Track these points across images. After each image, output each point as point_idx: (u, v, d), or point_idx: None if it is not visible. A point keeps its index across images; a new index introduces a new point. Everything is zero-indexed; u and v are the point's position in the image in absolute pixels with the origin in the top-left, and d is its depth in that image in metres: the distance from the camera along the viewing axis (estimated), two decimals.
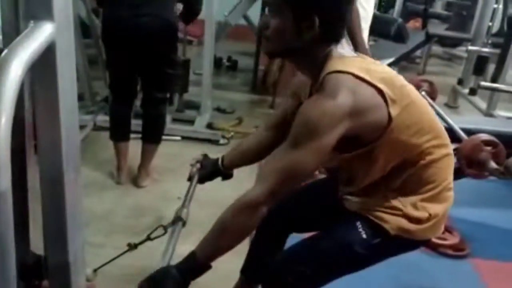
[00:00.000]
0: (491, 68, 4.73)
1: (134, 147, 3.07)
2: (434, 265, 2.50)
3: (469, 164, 2.34)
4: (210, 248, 1.32)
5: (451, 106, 5.06)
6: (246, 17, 5.25)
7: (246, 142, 1.85)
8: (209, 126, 3.89)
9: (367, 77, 1.27)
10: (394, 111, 1.29)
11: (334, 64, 1.30)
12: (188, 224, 2.67)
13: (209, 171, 1.85)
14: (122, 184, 3.01)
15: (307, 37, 1.30)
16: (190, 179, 1.88)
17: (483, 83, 3.95)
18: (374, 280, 2.36)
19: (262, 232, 1.85)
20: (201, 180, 1.84)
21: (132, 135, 3.07)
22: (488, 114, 4.27)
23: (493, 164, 2.28)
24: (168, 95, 3.05)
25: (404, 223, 1.42)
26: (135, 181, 3.02)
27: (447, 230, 2.66)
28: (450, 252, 2.56)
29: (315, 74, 1.34)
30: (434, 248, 2.57)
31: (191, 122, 3.91)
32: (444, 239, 2.60)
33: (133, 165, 3.09)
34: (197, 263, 1.30)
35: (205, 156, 1.94)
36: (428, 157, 1.39)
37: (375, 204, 1.44)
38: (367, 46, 2.96)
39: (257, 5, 4.78)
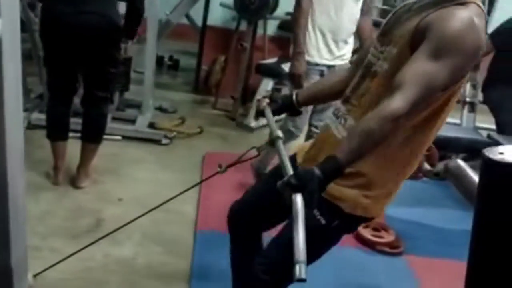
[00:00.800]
0: None
1: (73, 146, 2.97)
2: (371, 262, 2.61)
3: None
4: (353, 153, 1.28)
5: None
6: (188, 16, 5.21)
7: (323, 82, 1.87)
8: (151, 125, 3.83)
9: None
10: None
11: None
12: (127, 227, 2.62)
13: (281, 105, 1.77)
14: (60, 185, 2.90)
15: None
16: (260, 114, 1.80)
17: None
18: (312, 277, 2.43)
19: (235, 242, 1.86)
20: (275, 113, 1.77)
21: (70, 134, 2.96)
22: None
23: (426, 166, 2.41)
24: (109, 94, 2.97)
25: (362, 199, 1.45)
26: (74, 182, 2.93)
27: (384, 228, 2.79)
28: (386, 249, 2.67)
29: None
30: (371, 245, 2.68)
31: (132, 121, 3.83)
32: (381, 237, 2.72)
33: (71, 165, 2.99)
34: (338, 166, 1.26)
35: (274, 90, 1.93)
36: (431, 125, 1.43)
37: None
38: None
39: (200, 4, 4.76)
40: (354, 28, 2.76)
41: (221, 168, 1.69)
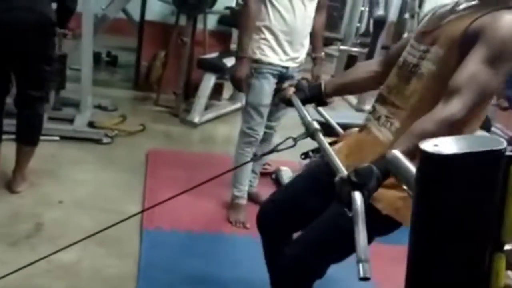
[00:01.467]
0: None
1: (7, 149, 2.83)
2: None
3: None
4: (408, 154, 1.19)
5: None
6: (125, 11, 5.09)
7: (352, 74, 1.83)
8: (90, 124, 3.72)
9: None
10: None
11: None
12: (69, 230, 2.55)
13: (310, 95, 1.75)
14: None
15: None
16: (287, 102, 1.77)
17: None
18: (262, 269, 2.46)
19: (266, 243, 1.87)
20: (303, 102, 1.73)
21: (4, 136, 2.83)
22: (359, 109, 4.64)
23: None
24: (44, 93, 2.85)
25: (398, 202, 1.43)
26: (10, 186, 2.79)
27: None
28: None
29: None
30: None
31: (70, 120, 3.70)
32: None
33: (6, 168, 2.85)
34: None
35: (298, 80, 1.87)
36: (467, 124, 1.42)
37: None
38: None
39: None
40: (309, 29, 2.72)
41: (256, 156, 1.65)
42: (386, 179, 1.24)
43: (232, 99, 4.95)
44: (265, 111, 2.75)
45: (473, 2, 1.42)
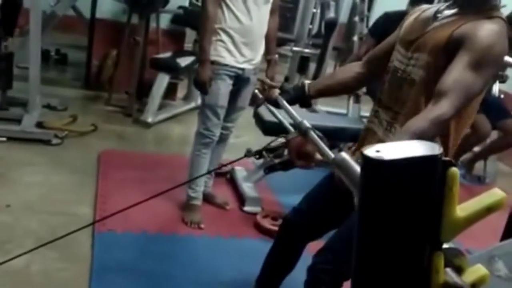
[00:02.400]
0: (313, 66, 5.23)
1: None
2: None
3: (298, 156, 2.58)
4: None
5: None
6: (75, 8, 4.96)
7: (335, 76, 1.91)
8: (39, 125, 3.60)
9: None
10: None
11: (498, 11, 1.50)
12: (18, 235, 2.47)
13: (294, 95, 1.78)
14: None
15: None
16: (273, 103, 1.79)
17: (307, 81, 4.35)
18: (214, 268, 2.48)
19: (283, 244, 1.92)
20: (289, 103, 1.75)
21: None
22: (311, 109, 4.71)
23: (318, 156, 2.55)
24: None
25: None
26: None
27: (282, 217, 2.90)
28: None
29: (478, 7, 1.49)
30: (271, 234, 2.77)
31: (17, 121, 3.57)
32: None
33: None
34: None
35: (283, 82, 1.91)
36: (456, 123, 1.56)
37: None
38: None
39: None
40: (265, 30, 2.75)
41: (250, 152, 1.66)
42: None
43: (186, 99, 4.93)
44: (222, 112, 2.76)
45: (455, 10, 1.53)
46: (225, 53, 2.65)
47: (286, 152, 3.66)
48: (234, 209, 3.05)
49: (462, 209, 0.71)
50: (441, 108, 1.38)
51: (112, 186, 3.04)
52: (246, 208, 3.03)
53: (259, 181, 3.24)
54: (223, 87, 2.68)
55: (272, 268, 1.99)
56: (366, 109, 4.67)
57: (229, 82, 2.70)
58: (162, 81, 4.31)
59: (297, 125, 1.60)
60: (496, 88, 4.26)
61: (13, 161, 3.17)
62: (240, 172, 3.36)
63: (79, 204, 2.81)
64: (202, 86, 2.65)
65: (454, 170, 0.68)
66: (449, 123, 1.46)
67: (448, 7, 1.56)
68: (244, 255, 2.60)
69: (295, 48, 5.40)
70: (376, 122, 1.68)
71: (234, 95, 2.80)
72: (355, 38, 4.59)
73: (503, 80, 4.17)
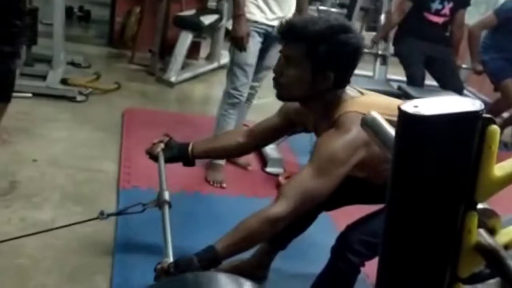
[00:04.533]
0: None
1: None
2: None
3: None
4: (231, 247, 1.46)
5: None
6: None
7: (221, 139, 2.01)
8: (64, 81, 3.62)
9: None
10: None
11: (346, 106, 1.52)
12: (45, 189, 2.52)
13: (176, 154, 1.90)
14: None
15: (320, 87, 1.51)
16: (154, 158, 1.91)
17: None
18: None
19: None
20: (168, 160, 1.88)
21: None
22: None
23: None
24: (16, 48, 2.75)
25: None
26: None
27: None
28: None
29: (327, 113, 1.53)
30: None
31: (42, 77, 3.60)
32: None
33: None
34: (216, 257, 1.43)
35: (170, 138, 1.97)
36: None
37: None
38: None
39: None
40: None
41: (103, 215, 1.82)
42: (207, 269, 1.39)
43: (209, 58, 4.88)
44: (251, 71, 2.71)
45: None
46: (255, 9, 2.60)
47: None
48: (256, 170, 3.05)
49: (500, 168, 0.68)
50: (277, 209, 1.45)
51: (136, 144, 3.06)
52: (268, 169, 3.03)
53: (281, 142, 3.22)
54: (252, 45, 2.63)
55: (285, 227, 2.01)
56: (392, 71, 4.57)
57: (259, 39, 2.65)
58: (185, 39, 4.26)
59: (158, 194, 1.75)
60: None
61: (38, 117, 3.21)
62: None
63: (103, 160, 2.85)
64: (239, 42, 2.59)
65: (494, 127, 0.65)
66: (283, 224, 1.49)
67: None
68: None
69: (321, 7, 5.26)
70: None
71: (262, 53, 2.75)
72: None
73: None
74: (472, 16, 4.47)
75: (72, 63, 4.09)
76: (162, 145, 1.89)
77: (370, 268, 2.09)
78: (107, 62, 4.51)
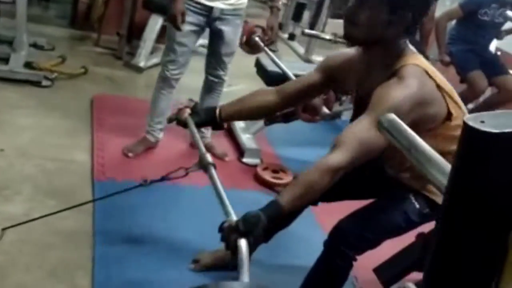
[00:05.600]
0: (306, 15, 5.08)
1: None
2: None
3: (304, 109, 2.53)
4: (295, 200, 1.40)
5: (271, 50, 5.32)
6: None
7: (248, 100, 1.88)
8: (28, 65, 3.43)
9: (434, 76, 1.50)
10: (454, 111, 1.54)
11: (408, 58, 1.51)
12: (15, 180, 2.39)
13: (204, 119, 1.83)
14: None
15: (393, 30, 1.49)
16: (183, 124, 1.84)
17: (307, 31, 4.23)
18: (215, 219, 2.46)
19: None
20: (197, 125, 1.81)
21: None
22: (307, 59, 4.62)
23: (325, 110, 2.50)
24: None
25: None
26: None
27: (282, 170, 2.88)
28: None
29: (388, 63, 1.52)
30: (271, 187, 2.76)
31: (4, 60, 3.40)
32: (280, 178, 2.81)
33: None
34: (281, 211, 1.37)
35: (196, 102, 1.93)
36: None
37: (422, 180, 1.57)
38: None
39: None
40: None
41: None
42: (272, 224, 1.37)
43: None
44: (180, 51, 2.65)
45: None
46: None
47: None
48: (233, 161, 3.01)
49: None
50: (337, 158, 1.41)
51: (108, 132, 2.95)
52: (245, 160, 3.00)
53: (257, 132, 3.19)
54: (186, 25, 2.55)
55: None
56: None
57: (193, 19, 2.58)
58: (155, 23, 4.13)
59: (200, 157, 1.68)
60: (493, 44, 4.24)
61: (3, 103, 3.04)
62: (237, 123, 3.29)
63: (75, 150, 2.73)
64: (173, 20, 2.52)
65: None
66: (343, 173, 1.46)
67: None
68: (246, 206, 2.55)
69: None
70: None
71: (214, 38, 2.71)
72: None
73: (500, 37, 4.16)
74: (439, 8, 4.55)
75: (35, 45, 3.88)
76: (188, 110, 1.83)
77: (359, 271, 2.12)
78: (71, 45, 4.31)
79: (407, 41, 1.57)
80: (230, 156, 3.03)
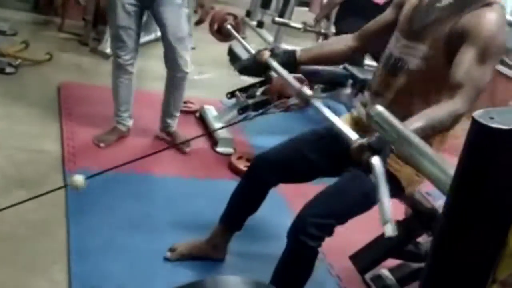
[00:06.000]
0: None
1: None
2: None
3: (279, 98, 2.53)
4: (418, 132, 1.29)
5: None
6: None
7: (328, 46, 1.93)
8: None
9: None
10: None
11: None
12: None
13: (286, 60, 1.78)
14: None
15: None
16: (264, 66, 1.79)
17: (277, 19, 4.22)
18: (190, 208, 2.44)
19: (251, 181, 1.90)
20: (282, 65, 1.76)
21: None
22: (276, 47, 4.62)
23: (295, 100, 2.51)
24: None
25: (415, 177, 1.66)
26: None
27: (248, 159, 2.87)
28: None
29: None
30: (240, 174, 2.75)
31: None
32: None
33: None
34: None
35: (275, 45, 1.87)
36: None
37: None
38: None
39: None
40: None
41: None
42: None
43: (146, 29, 4.65)
44: (125, 33, 2.60)
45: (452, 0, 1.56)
46: None
47: (259, 93, 3.60)
48: (206, 150, 2.99)
49: None
50: (459, 103, 1.43)
51: (77, 121, 2.88)
52: (219, 149, 2.98)
53: (230, 121, 3.17)
54: (119, 5, 2.54)
55: (236, 206, 2.00)
56: None
57: (126, 1, 2.54)
58: None
59: (299, 95, 1.60)
60: None
61: None
62: (210, 111, 3.28)
63: (44, 139, 2.65)
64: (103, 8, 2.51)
65: None
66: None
67: None
68: (219, 196, 2.55)
69: None
70: (362, 108, 1.75)
71: (159, 25, 2.68)
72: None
73: None
74: None
75: None
76: (268, 52, 1.80)
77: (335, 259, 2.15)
78: (34, 30, 4.16)
79: None
80: (203, 145, 3.01)
